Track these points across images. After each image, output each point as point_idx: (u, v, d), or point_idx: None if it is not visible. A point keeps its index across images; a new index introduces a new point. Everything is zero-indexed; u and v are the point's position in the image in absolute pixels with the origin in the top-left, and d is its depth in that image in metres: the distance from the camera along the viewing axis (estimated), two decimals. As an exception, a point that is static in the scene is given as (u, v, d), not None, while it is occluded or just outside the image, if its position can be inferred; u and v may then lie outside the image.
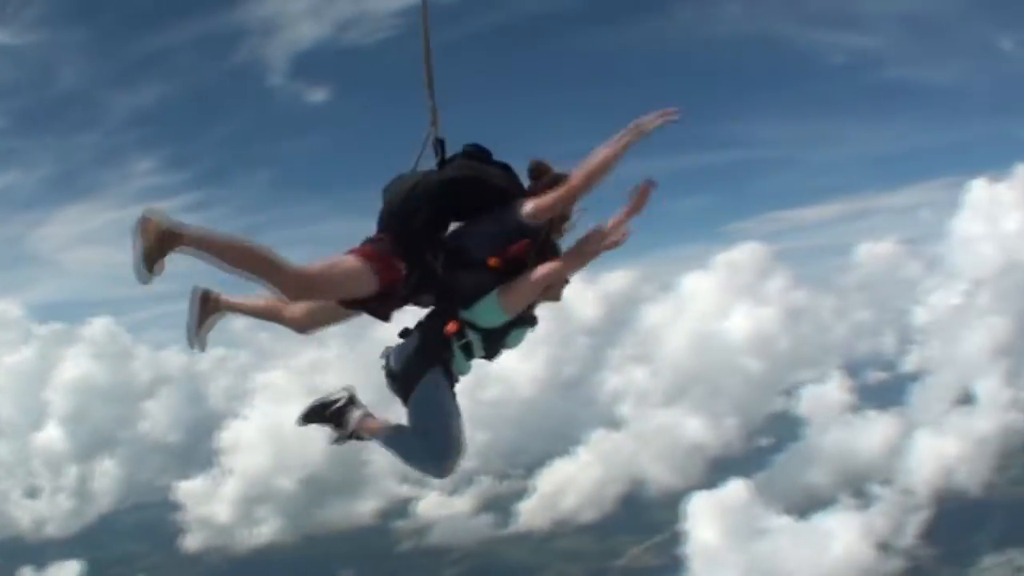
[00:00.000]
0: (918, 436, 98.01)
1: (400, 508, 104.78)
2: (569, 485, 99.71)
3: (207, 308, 5.84)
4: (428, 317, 5.72)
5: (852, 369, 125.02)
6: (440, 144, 5.85)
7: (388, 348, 5.77)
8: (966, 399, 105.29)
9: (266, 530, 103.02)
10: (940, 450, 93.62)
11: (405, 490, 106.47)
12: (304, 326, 5.91)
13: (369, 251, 5.39)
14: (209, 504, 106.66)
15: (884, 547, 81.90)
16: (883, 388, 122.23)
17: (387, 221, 5.60)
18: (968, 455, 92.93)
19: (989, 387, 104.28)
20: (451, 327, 5.53)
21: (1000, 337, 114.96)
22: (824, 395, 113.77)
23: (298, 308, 5.77)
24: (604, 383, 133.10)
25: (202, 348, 5.93)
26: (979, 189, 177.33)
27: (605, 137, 5.30)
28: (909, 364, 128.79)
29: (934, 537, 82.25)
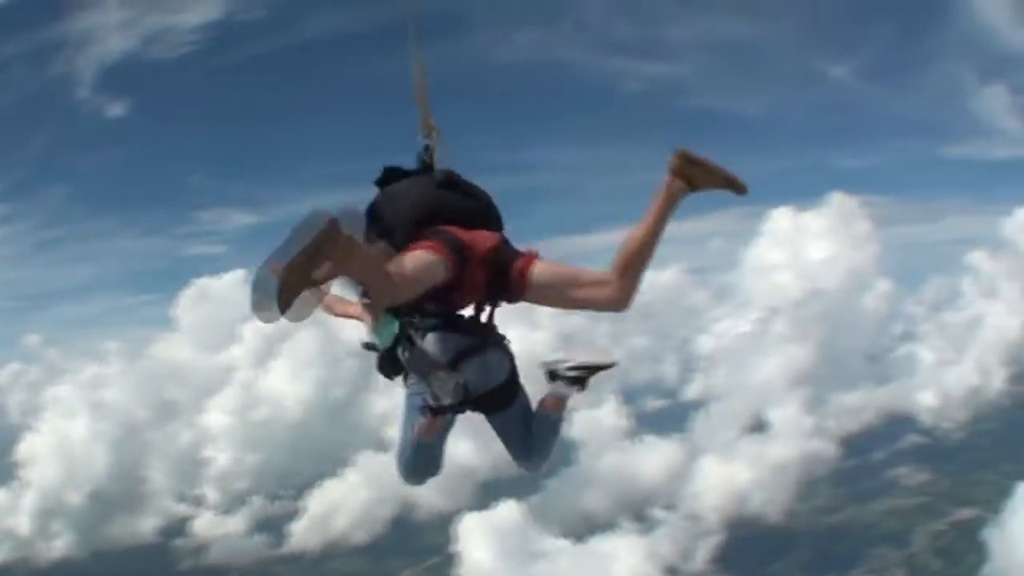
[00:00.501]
0: (703, 462, 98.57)
1: (178, 526, 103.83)
2: (339, 506, 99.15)
3: (323, 260, 4.04)
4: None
5: (629, 395, 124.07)
6: (427, 151, 5.77)
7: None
8: (758, 426, 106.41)
9: (60, 544, 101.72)
10: (729, 476, 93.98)
11: (182, 508, 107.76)
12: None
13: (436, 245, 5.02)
14: (14, 516, 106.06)
15: (672, 571, 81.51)
16: (663, 415, 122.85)
17: (480, 216, 5.48)
18: (763, 482, 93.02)
19: (785, 415, 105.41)
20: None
21: (799, 365, 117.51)
22: (599, 420, 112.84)
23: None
24: (372, 405, 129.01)
25: (278, 316, 4.11)
26: (780, 218, 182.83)
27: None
28: (692, 391, 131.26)
29: (727, 563, 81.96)
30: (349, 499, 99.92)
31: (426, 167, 5.68)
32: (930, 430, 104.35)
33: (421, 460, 5.80)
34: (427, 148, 5.71)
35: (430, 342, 5.28)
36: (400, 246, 5.05)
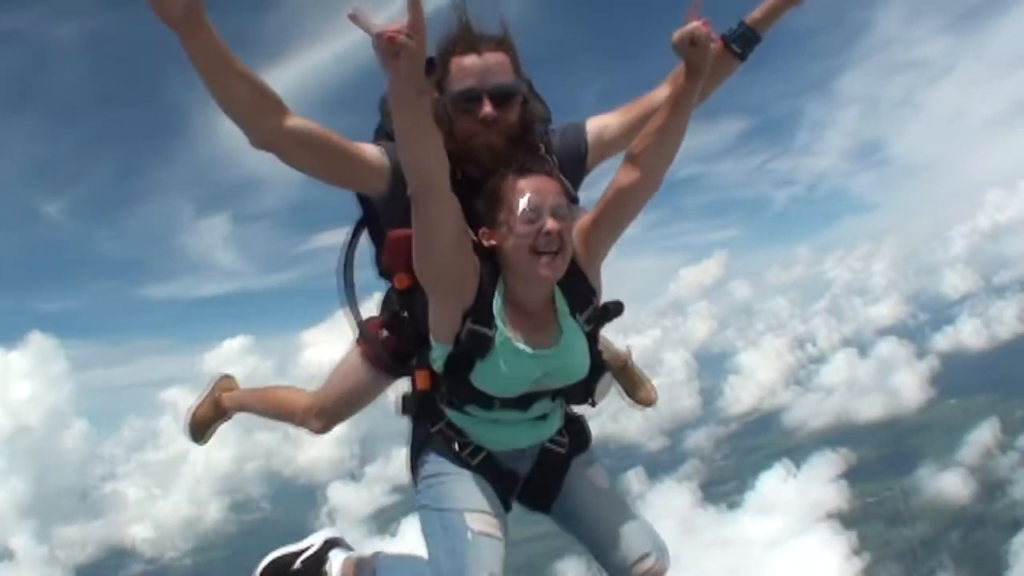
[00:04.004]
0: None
1: None
2: None
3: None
4: None
5: None
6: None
7: None
8: (6, 554, 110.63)
9: None
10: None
11: None
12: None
13: None
14: None
15: None
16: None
17: None
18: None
19: (24, 544, 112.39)
20: None
21: (21, 499, 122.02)
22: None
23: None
24: None
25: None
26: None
27: None
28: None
29: None
30: None
31: None
32: (155, 559, 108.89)
33: None
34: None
35: None
36: None
